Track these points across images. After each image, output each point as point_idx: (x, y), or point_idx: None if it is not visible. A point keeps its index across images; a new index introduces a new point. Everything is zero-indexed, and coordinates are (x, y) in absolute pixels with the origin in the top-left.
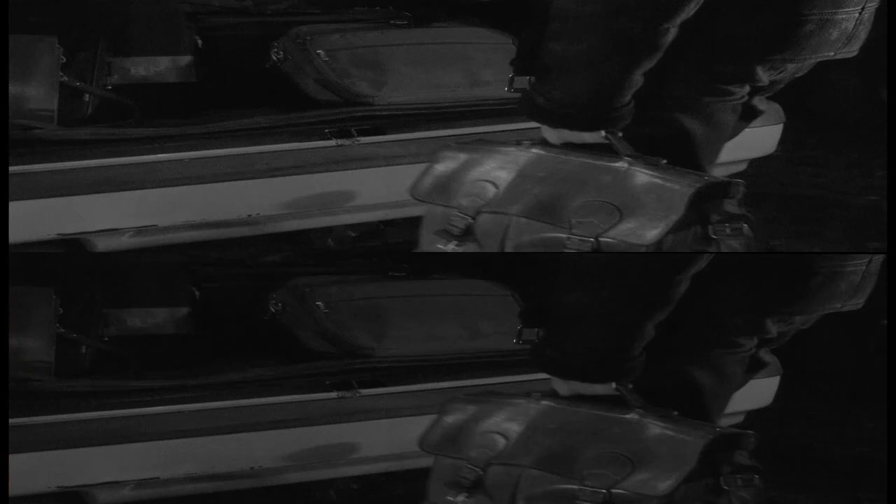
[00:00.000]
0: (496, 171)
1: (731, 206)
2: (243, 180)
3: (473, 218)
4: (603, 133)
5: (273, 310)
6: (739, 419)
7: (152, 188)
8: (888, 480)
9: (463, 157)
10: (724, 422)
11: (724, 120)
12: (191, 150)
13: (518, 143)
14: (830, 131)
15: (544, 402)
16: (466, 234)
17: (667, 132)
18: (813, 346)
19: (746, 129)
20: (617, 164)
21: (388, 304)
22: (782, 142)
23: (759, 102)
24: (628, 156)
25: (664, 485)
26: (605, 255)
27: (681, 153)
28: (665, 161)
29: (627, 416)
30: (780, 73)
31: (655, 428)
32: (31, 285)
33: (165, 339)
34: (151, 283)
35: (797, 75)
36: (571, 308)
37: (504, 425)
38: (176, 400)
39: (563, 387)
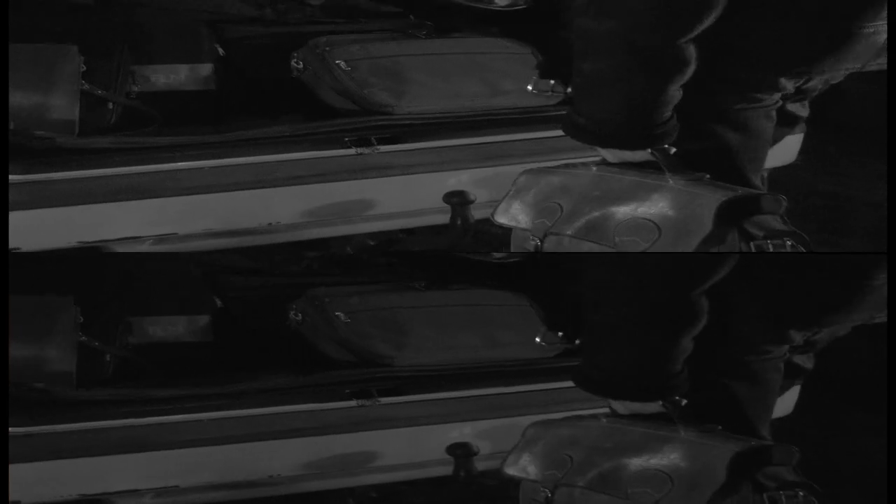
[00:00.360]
0: (563, 192)
1: (773, 222)
2: (263, 188)
3: (541, 240)
4: (649, 150)
5: (293, 319)
6: None
7: (173, 196)
8: (888, 481)
9: (539, 179)
10: None
11: (760, 126)
12: (211, 158)
13: (585, 165)
14: (852, 140)
15: (605, 422)
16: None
17: (705, 144)
18: (834, 352)
19: None
20: (660, 182)
21: (408, 314)
22: (803, 151)
23: (800, 108)
24: (672, 172)
25: (697, 500)
26: (632, 274)
27: (723, 164)
28: (708, 176)
29: (671, 432)
30: (808, 82)
31: (693, 443)
32: (52, 294)
33: (186, 348)
34: (172, 291)
35: (832, 82)
36: (607, 327)
37: (571, 446)
38: (196, 409)
39: (619, 406)
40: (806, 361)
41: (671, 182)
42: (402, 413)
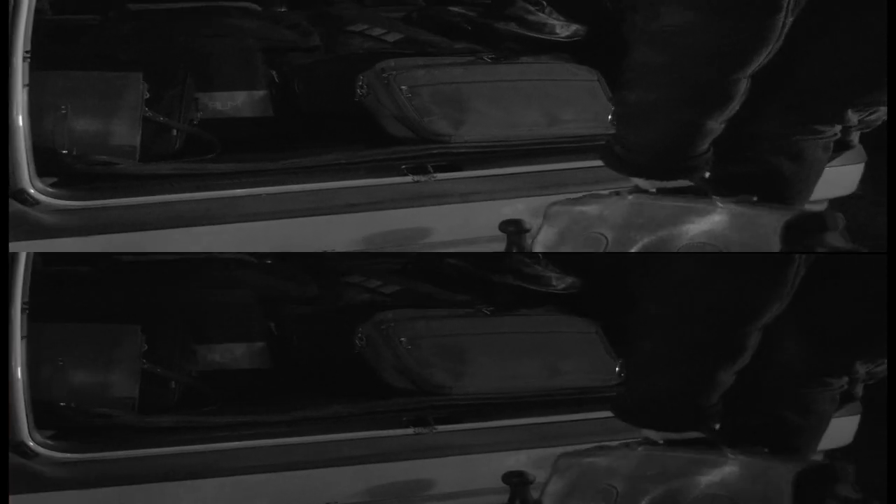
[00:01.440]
0: (601, 222)
1: (835, 239)
2: (320, 216)
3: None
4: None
5: (359, 344)
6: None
7: (230, 223)
8: (888, 481)
9: (572, 210)
10: None
11: (815, 157)
12: (268, 185)
13: (617, 194)
14: None
15: (641, 450)
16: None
17: (755, 170)
18: None
19: (826, 168)
20: (709, 205)
21: (469, 341)
22: (864, 180)
23: (852, 136)
24: (718, 195)
25: None
26: (679, 304)
27: (770, 190)
28: (756, 198)
29: (718, 455)
30: (872, 113)
31: (748, 466)
32: (119, 322)
33: (247, 375)
34: (231, 318)
35: None
36: (647, 357)
37: (611, 477)
38: (254, 435)
39: (653, 434)
40: (857, 389)
41: (720, 205)
42: (459, 441)
